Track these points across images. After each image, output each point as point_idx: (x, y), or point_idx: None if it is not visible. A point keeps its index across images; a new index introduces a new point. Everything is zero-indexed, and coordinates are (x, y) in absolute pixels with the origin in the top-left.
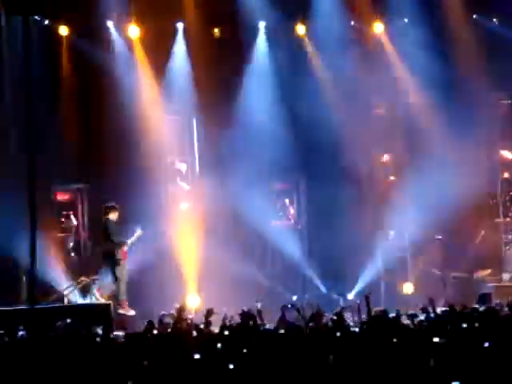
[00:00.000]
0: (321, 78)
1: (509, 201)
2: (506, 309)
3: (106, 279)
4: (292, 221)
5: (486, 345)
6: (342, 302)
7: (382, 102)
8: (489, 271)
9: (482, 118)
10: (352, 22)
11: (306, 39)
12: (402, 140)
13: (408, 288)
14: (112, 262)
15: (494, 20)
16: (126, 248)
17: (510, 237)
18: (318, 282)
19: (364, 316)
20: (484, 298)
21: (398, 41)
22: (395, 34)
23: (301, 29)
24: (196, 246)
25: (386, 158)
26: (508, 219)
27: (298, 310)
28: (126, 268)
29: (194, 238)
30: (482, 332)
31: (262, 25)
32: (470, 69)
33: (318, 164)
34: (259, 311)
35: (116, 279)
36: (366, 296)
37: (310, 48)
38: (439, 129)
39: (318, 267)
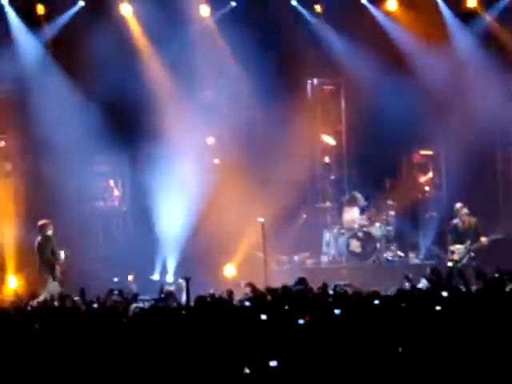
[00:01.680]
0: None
1: (329, 185)
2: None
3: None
4: (117, 203)
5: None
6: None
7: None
8: (307, 254)
9: (304, 103)
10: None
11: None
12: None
13: (230, 270)
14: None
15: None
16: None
17: (329, 220)
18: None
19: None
20: (302, 281)
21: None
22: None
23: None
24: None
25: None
26: (328, 203)
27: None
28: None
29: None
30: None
31: None
32: (292, 56)
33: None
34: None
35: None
36: (185, 278)
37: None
38: (261, 115)
39: (141, 251)
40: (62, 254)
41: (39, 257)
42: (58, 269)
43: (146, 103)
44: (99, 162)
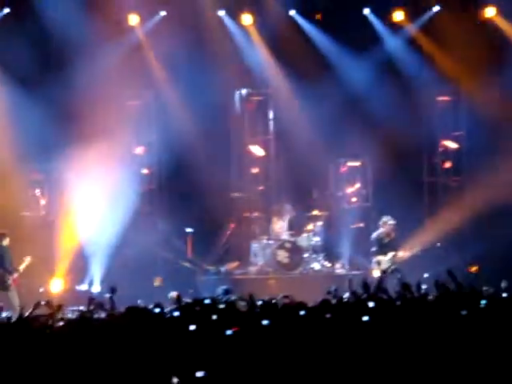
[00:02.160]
0: None
1: (257, 195)
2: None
3: None
4: (43, 212)
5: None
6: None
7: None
8: (237, 264)
9: (233, 114)
10: None
11: None
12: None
13: (157, 281)
14: (2, 287)
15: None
16: (16, 275)
17: (257, 230)
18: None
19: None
20: (228, 290)
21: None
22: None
23: None
24: None
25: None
26: (256, 213)
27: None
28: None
29: None
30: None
31: None
32: (220, 67)
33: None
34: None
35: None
36: (111, 288)
37: None
38: (190, 125)
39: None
40: (27, 261)
41: None
42: (10, 280)
43: (75, 111)
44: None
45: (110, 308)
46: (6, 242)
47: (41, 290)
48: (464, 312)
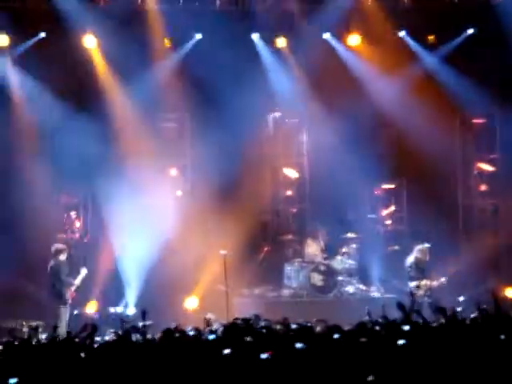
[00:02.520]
0: None
1: (291, 218)
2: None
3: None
4: (77, 234)
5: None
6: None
7: None
8: (269, 287)
9: (266, 136)
10: None
11: None
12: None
13: (191, 303)
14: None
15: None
16: (73, 289)
17: (291, 253)
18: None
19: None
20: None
21: None
22: None
23: None
24: None
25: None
26: (290, 236)
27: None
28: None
29: None
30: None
31: None
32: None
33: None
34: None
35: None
36: (142, 312)
37: None
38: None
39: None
40: (83, 273)
41: (51, 282)
42: (68, 293)
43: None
44: (63, 193)
45: (141, 331)
46: (63, 256)
47: (75, 312)
48: (503, 336)
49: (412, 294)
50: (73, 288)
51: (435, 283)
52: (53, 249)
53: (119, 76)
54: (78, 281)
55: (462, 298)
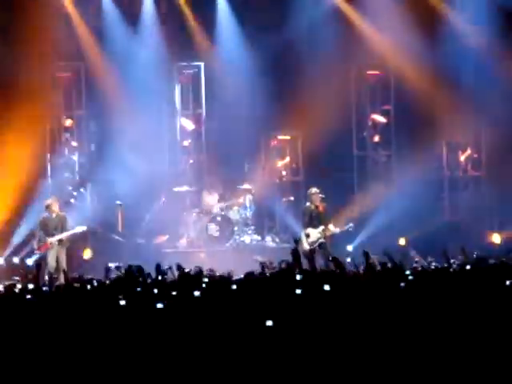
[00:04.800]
0: None
1: (188, 169)
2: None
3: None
4: None
5: None
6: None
7: None
8: (166, 237)
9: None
10: None
11: None
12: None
13: (87, 253)
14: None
15: None
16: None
17: (188, 204)
18: None
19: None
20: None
21: None
22: None
23: None
24: None
25: None
26: (187, 187)
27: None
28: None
29: None
30: None
31: None
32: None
33: None
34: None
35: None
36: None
37: None
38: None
39: None
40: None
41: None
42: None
43: None
44: None
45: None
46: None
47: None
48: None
49: (296, 242)
50: (51, 240)
51: (327, 232)
52: (45, 203)
53: None
54: (63, 235)
55: (350, 248)
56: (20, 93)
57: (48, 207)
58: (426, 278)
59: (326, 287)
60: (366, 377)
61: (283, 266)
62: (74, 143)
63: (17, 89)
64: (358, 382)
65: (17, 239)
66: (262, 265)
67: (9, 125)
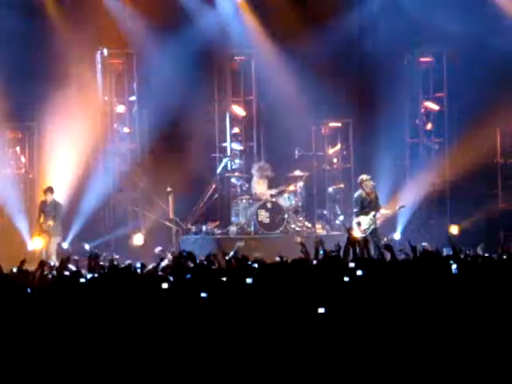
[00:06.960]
0: None
1: (239, 156)
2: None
3: None
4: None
5: None
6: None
7: None
8: (217, 223)
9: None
10: None
11: None
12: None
13: (138, 239)
14: None
15: None
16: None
17: (238, 190)
18: None
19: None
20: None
21: None
22: None
23: None
24: None
25: None
26: (237, 174)
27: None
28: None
29: None
30: None
31: None
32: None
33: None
34: None
35: None
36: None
37: None
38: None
39: None
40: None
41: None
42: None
43: None
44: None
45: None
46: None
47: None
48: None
49: (348, 230)
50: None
51: (378, 219)
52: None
53: None
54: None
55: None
56: (71, 81)
57: (46, 192)
58: (480, 266)
59: (359, 272)
60: (425, 365)
61: (334, 251)
62: (126, 129)
63: (68, 77)
64: (418, 370)
65: (77, 224)
66: (302, 244)
67: (61, 114)
